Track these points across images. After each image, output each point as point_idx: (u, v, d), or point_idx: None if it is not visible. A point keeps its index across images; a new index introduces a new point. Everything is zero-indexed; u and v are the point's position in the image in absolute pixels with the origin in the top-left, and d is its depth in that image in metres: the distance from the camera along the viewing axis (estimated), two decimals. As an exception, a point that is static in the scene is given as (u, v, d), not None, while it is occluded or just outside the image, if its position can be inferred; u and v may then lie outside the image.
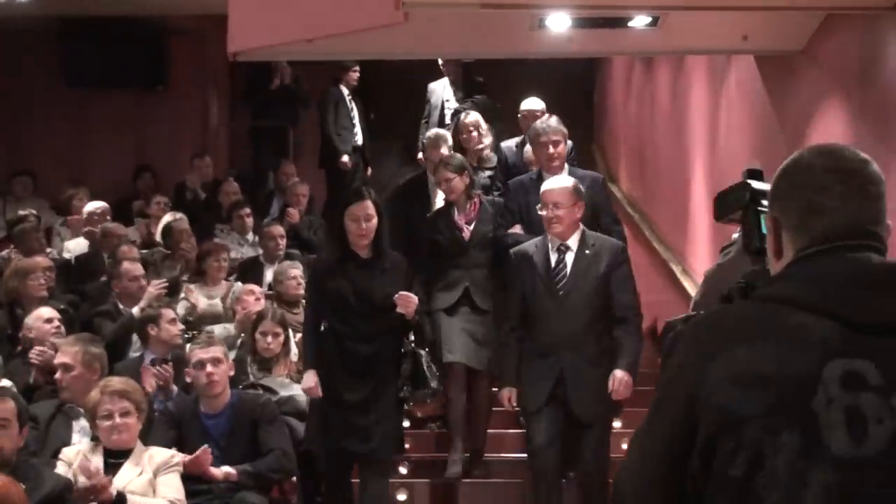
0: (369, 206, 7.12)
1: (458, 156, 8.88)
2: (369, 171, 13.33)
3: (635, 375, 7.09)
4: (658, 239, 11.10)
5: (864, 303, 2.47)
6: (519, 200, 8.48)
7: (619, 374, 7.06)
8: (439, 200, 9.11)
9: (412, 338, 7.37)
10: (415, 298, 7.15)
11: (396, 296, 7.06)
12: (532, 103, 10.22)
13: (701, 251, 9.46)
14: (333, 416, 7.17)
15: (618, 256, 7.19)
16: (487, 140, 10.16)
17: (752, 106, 8.42)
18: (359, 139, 13.09)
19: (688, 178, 9.98)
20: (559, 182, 7.27)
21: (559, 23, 7.04)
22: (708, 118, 9.53)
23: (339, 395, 7.13)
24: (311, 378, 7.17)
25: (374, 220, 7.13)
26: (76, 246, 11.13)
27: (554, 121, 8.28)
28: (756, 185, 3.11)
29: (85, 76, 13.87)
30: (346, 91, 13.12)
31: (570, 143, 8.69)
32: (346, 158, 12.79)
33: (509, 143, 10.08)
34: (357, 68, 13.02)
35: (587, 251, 7.14)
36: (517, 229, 8.34)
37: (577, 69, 13.85)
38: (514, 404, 7.35)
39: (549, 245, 7.20)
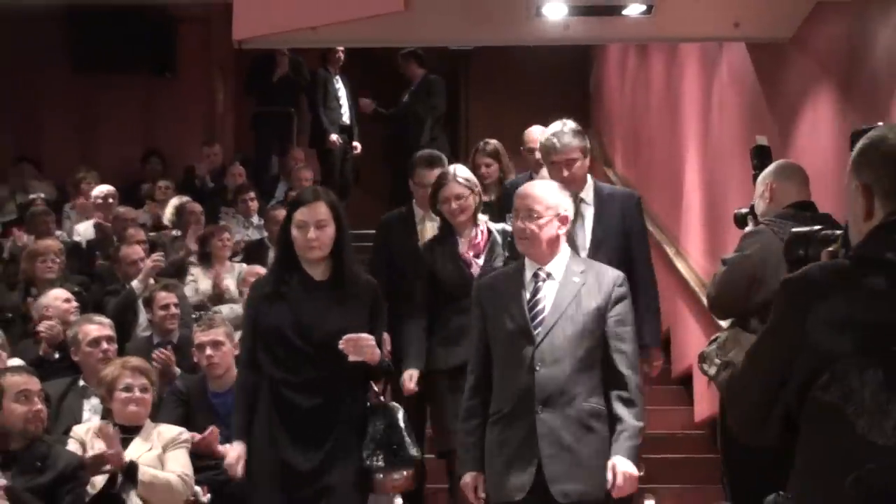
0: (322, 210, 5.34)
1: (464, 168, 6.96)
2: (358, 147, 13.35)
3: (638, 463, 5.21)
4: (652, 221, 11.12)
5: None
6: None
7: (620, 463, 5.15)
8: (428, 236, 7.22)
9: (382, 388, 5.65)
10: (369, 339, 5.29)
11: (342, 340, 5.23)
12: (534, 134, 8.38)
13: (693, 234, 9.48)
14: (272, 497, 5.44)
15: (619, 288, 5.24)
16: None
17: (743, 92, 8.43)
18: (346, 118, 13.18)
19: (681, 161, 10.00)
20: (537, 187, 5.39)
21: (555, 11, 7.05)
22: (701, 104, 9.54)
23: (277, 466, 5.40)
24: (235, 450, 5.47)
25: (330, 229, 5.35)
26: (85, 229, 11.15)
27: (568, 133, 6.40)
28: None
29: (93, 62, 13.84)
30: (332, 71, 13.18)
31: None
32: (333, 137, 12.90)
33: (517, 180, 8.21)
34: (342, 49, 13.01)
35: (575, 279, 5.22)
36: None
37: (574, 56, 13.85)
38: (482, 495, 5.28)
39: (525, 272, 5.30)
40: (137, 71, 14.07)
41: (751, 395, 3.01)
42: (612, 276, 5.28)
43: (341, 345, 5.23)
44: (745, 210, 6.09)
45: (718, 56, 8.97)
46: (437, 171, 7.05)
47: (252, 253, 10.38)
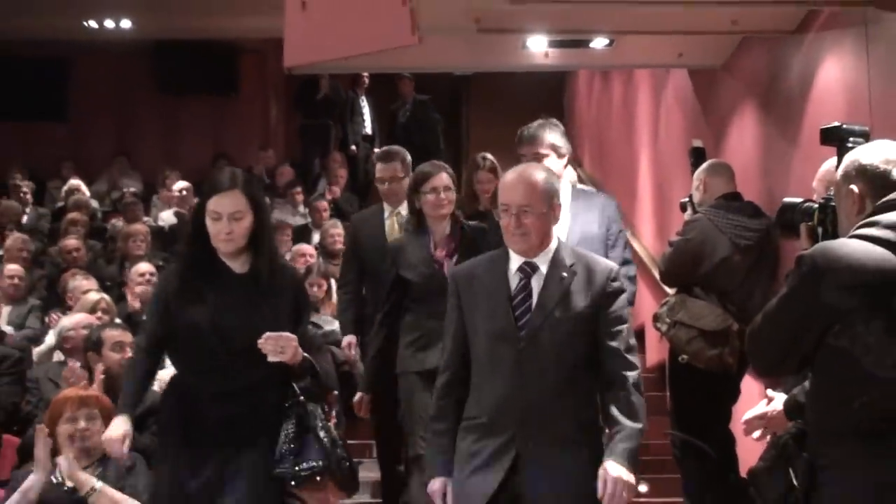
0: (238, 200, 3.95)
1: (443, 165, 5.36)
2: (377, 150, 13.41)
3: (636, 468, 3.61)
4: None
5: None
6: None
7: (611, 468, 3.53)
8: (394, 235, 5.73)
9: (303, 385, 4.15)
10: (291, 338, 3.91)
11: (263, 337, 3.87)
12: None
13: (646, 219, 9.46)
14: None
15: (611, 282, 3.73)
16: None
17: (685, 108, 8.41)
18: (368, 130, 13.23)
19: (636, 162, 9.99)
20: (526, 175, 3.76)
21: (538, 44, 7.02)
22: (651, 117, 9.52)
23: (176, 488, 3.96)
24: (118, 426, 3.97)
25: (246, 221, 3.95)
26: (168, 216, 11.16)
27: (536, 127, 5.13)
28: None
29: (174, 85, 13.93)
30: (358, 92, 13.24)
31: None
32: (353, 147, 13.01)
33: None
34: (367, 75, 13.12)
35: (564, 273, 3.71)
36: None
37: (552, 80, 13.82)
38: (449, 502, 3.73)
39: (509, 263, 3.76)
40: (208, 92, 14.14)
41: (774, 345, 3.08)
42: (604, 268, 3.75)
43: (260, 343, 3.85)
44: (686, 199, 6.10)
45: (665, 80, 8.95)
46: (394, 165, 5.83)
47: (299, 235, 10.40)
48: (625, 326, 3.73)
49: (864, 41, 5.35)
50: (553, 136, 5.07)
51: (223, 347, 3.95)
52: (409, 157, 5.91)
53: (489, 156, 7.26)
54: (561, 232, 4.75)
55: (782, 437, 3.25)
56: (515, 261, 3.76)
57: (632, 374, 3.68)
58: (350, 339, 5.93)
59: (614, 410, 3.64)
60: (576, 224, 5.04)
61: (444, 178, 5.19)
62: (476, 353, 3.74)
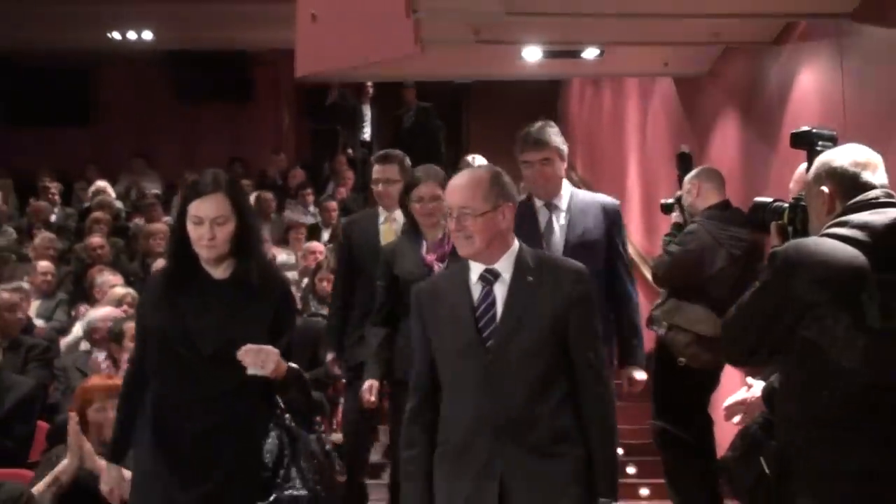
0: (221, 204, 3.49)
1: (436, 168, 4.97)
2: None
3: (616, 495, 3.25)
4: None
5: (889, 238, 2.91)
6: None
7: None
8: (388, 239, 5.21)
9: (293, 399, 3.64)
10: (272, 351, 3.40)
11: (241, 350, 3.38)
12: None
13: (634, 218, 9.45)
14: None
15: (578, 285, 3.28)
16: None
17: (670, 114, 8.40)
18: (367, 136, 13.22)
19: (625, 165, 9.98)
20: (468, 176, 3.34)
21: (533, 54, 7.02)
22: (639, 123, 9.51)
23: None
24: (109, 477, 3.67)
25: (230, 225, 3.49)
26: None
27: (539, 130, 4.66)
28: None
29: (191, 93, 13.92)
30: (363, 101, 13.23)
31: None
32: (350, 151, 13.05)
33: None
34: (371, 84, 13.07)
35: (529, 278, 3.28)
36: None
37: (546, 87, 13.81)
38: None
39: (470, 273, 3.32)
40: (224, 99, 14.13)
41: (746, 335, 3.05)
42: (569, 270, 3.30)
43: (239, 355, 3.37)
44: (670, 200, 6.05)
45: (652, 87, 8.94)
46: (391, 167, 5.31)
47: (310, 233, 10.40)
48: (593, 335, 3.28)
49: (839, 51, 5.35)
50: (557, 138, 4.69)
51: (193, 352, 3.45)
52: (408, 161, 5.37)
53: (478, 157, 7.03)
54: (556, 239, 4.56)
55: (750, 426, 3.23)
56: (476, 270, 3.30)
57: (603, 391, 3.27)
58: (330, 356, 5.39)
59: (588, 432, 3.23)
60: (572, 230, 4.60)
61: (430, 187, 4.74)
62: (442, 371, 3.29)
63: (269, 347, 3.42)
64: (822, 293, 2.88)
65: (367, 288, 5.02)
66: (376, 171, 5.42)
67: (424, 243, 4.78)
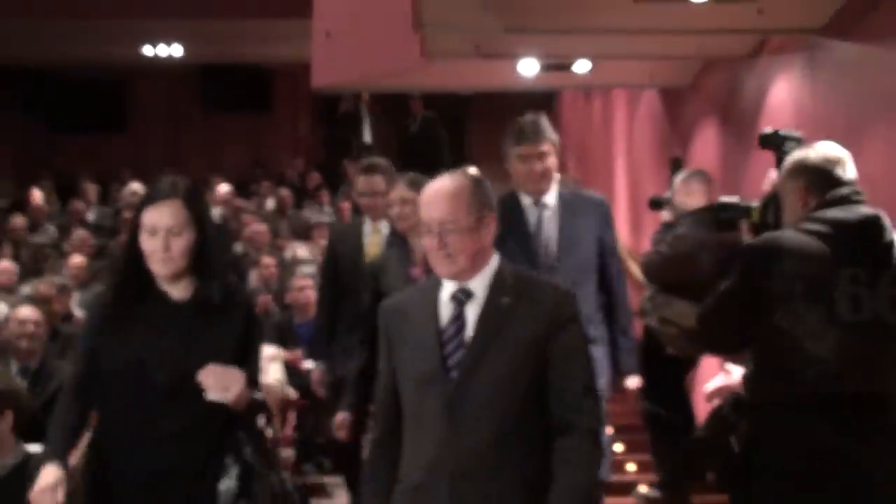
0: (176, 211, 2.82)
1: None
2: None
3: None
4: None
5: (858, 234, 2.90)
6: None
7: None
8: (373, 250, 4.68)
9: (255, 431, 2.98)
10: (236, 374, 2.78)
11: (202, 372, 2.76)
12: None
13: (621, 216, 9.44)
14: None
15: (563, 309, 2.59)
16: None
17: (655, 122, 8.38)
18: (367, 140, 13.15)
19: (613, 167, 9.97)
20: (447, 186, 2.62)
21: (529, 67, 7.00)
22: (626, 130, 9.49)
23: None
24: (47, 477, 2.73)
25: (187, 236, 2.83)
26: (214, 214, 11.17)
27: (534, 122, 4.03)
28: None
29: (217, 102, 13.92)
30: (363, 108, 13.18)
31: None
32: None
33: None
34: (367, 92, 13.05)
35: (506, 298, 2.58)
36: None
37: (542, 98, 13.78)
38: None
39: (440, 291, 2.64)
40: (246, 108, 14.12)
41: (721, 325, 3.03)
42: (553, 291, 2.62)
43: (201, 376, 2.73)
44: (666, 195, 5.90)
45: (638, 98, 8.91)
46: (375, 178, 4.69)
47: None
48: (581, 364, 2.56)
49: (810, 64, 5.33)
50: (551, 130, 4.05)
51: (144, 385, 2.76)
52: (392, 170, 4.78)
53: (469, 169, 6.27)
54: (549, 239, 3.97)
55: (722, 407, 3.21)
56: (448, 288, 2.60)
57: (587, 421, 2.51)
58: (319, 372, 4.83)
59: (561, 469, 2.48)
60: (563, 232, 4.00)
61: (399, 191, 4.18)
62: (404, 401, 2.61)
63: (236, 370, 2.77)
64: (795, 286, 2.84)
65: (352, 300, 4.49)
66: (361, 182, 4.79)
67: (413, 256, 4.07)
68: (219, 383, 2.75)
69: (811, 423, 2.84)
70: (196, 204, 2.87)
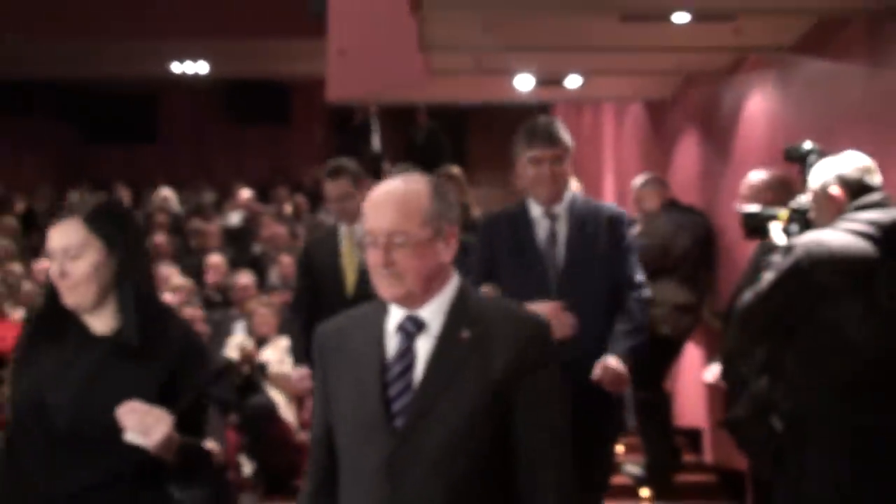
0: (74, 231, 2.17)
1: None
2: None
3: None
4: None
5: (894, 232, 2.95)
6: (493, 244, 3.38)
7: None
8: (350, 256, 4.26)
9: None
10: (160, 415, 2.07)
11: (121, 408, 2.06)
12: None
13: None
14: None
15: (533, 349, 1.86)
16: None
17: (640, 133, 8.37)
18: (376, 149, 13.07)
19: (601, 178, 9.96)
20: (399, 190, 1.89)
21: (525, 82, 7.00)
22: (613, 140, 9.49)
23: None
24: None
25: (89, 260, 2.16)
26: (235, 218, 11.17)
27: (548, 123, 3.41)
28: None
29: (241, 115, 13.96)
30: (373, 119, 13.14)
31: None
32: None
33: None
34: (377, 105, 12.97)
35: (465, 332, 1.86)
36: (486, 290, 3.24)
37: (537, 110, 13.74)
38: None
39: (388, 318, 1.92)
40: (267, 121, 14.14)
41: (765, 317, 3.06)
42: (525, 324, 1.93)
43: (120, 412, 2.08)
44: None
45: (625, 110, 8.90)
46: (341, 182, 4.25)
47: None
48: (553, 412, 1.89)
49: (783, 79, 5.33)
50: (566, 134, 3.38)
51: (45, 433, 2.15)
52: (360, 172, 4.37)
53: (454, 171, 5.72)
54: (559, 255, 3.28)
55: (757, 387, 3.17)
56: (395, 315, 1.94)
57: (556, 482, 1.87)
58: (303, 371, 4.33)
59: None
60: (571, 246, 3.31)
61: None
62: (340, 450, 1.95)
63: (162, 411, 2.10)
64: (842, 280, 2.90)
65: (329, 303, 4.02)
66: (328, 188, 4.30)
67: None
68: (139, 424, 2.07)
69: (850, 402, 2.90)
70: (103, 224, 2.20)
